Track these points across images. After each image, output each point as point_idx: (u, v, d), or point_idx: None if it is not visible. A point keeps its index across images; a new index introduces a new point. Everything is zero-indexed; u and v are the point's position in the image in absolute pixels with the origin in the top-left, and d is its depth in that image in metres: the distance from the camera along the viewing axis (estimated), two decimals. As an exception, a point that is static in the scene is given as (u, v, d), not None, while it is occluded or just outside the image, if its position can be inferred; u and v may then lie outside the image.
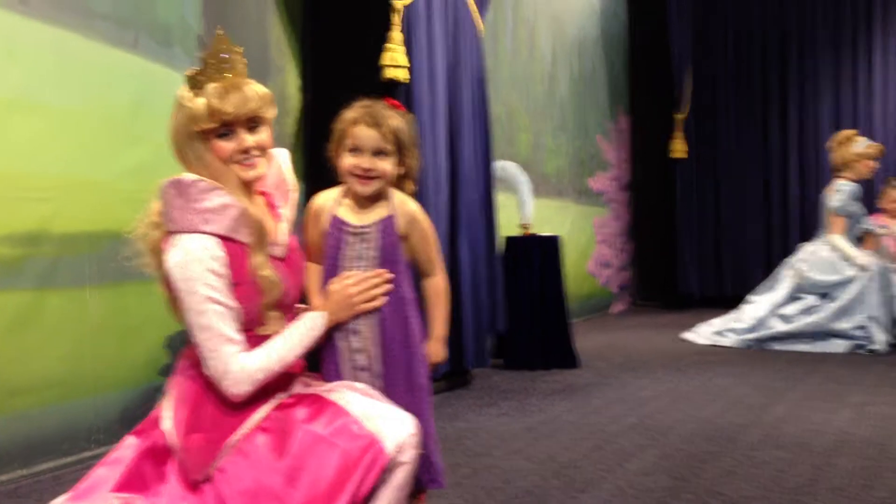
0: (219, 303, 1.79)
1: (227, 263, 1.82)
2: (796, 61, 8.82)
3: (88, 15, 3.08)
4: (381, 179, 2.02)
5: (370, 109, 2.03)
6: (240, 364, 1.79)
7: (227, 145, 1.86)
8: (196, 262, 1.78)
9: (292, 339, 1.89)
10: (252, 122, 1.88)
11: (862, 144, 6.24)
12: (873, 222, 6.64)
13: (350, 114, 2.03)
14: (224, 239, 1.83)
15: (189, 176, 1.83)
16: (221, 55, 1.84)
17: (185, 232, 1.81)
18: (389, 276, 2.02)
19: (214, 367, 1.79)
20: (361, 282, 2.00)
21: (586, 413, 3.87)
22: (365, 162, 2.00)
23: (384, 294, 2.01)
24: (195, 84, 1.84)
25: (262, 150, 1.91)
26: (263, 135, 1.91)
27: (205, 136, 1.85)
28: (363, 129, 2.00)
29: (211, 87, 1.82)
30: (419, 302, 2.12)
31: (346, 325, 2.00)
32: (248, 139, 1.87)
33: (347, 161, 2.01)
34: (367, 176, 2.00)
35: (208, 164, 1.85)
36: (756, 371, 4.97)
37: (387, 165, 2.02)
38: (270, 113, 1.91)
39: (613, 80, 8.76)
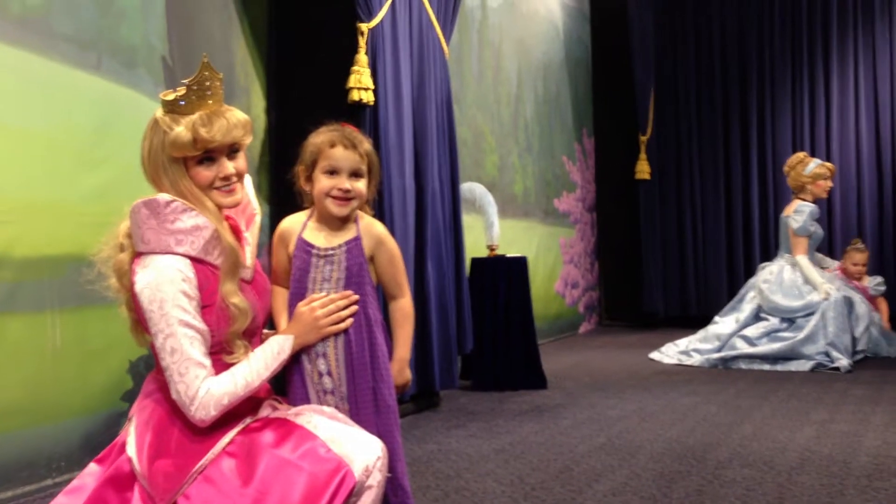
0: (189, 325, 1.77)
1: (197, 286, 1.80)
2: (756, 84, 8.97)
3: (51, 36, 3.05)
4: (357, 200, 2.03)
5: (345, 132, 2.05)
6: (206, 389, 1.76)
7: (207, 172, 1.85)
8: (168, 282, 1.76)
9: (258, 363, 1.88)
10: (232, 149, 1.87)
11: (812, 166, 6.34)
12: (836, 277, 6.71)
13: (324, 136, 2.04)
14: (195, 261, 1.81)
15: (163, 196, 1.81)
16: (205, 82, 1.82)
17: (157, 253, 1.79)
18: (355, 297, 2.01)
19: (181, 392, 1.76)
20: (328, 304, 1.99)
21: (555, 434, 3.87)
22: (343, 183, 2.00)
23: (351, 316, 2.01)
24: (175, 109, 1.82)
25: (241, 176, 1.91)
26: (241, 161, 1.91)
27: (184, 161, 1.83)
28: (341, 150, 2.01)
29: (196, 115, 1.81)
30: (386, 324, 2.11)
31: (313, 348, 1.99)
32: (230, 166, 1.87)
33: (324, 183, 2.01)
34: (345, 197, 2.01)
35: (184, 189, 1.83)
36: (722, 390, 5.01)
37: (362, 187, 2.03)
38: (248, 139, 1.91)
39: (578, 102, 8.85)
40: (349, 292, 2.01)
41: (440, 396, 4.70)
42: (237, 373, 1.83)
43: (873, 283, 6.65)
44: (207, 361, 1.79)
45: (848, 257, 6.78)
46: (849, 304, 5.98)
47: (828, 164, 6.47)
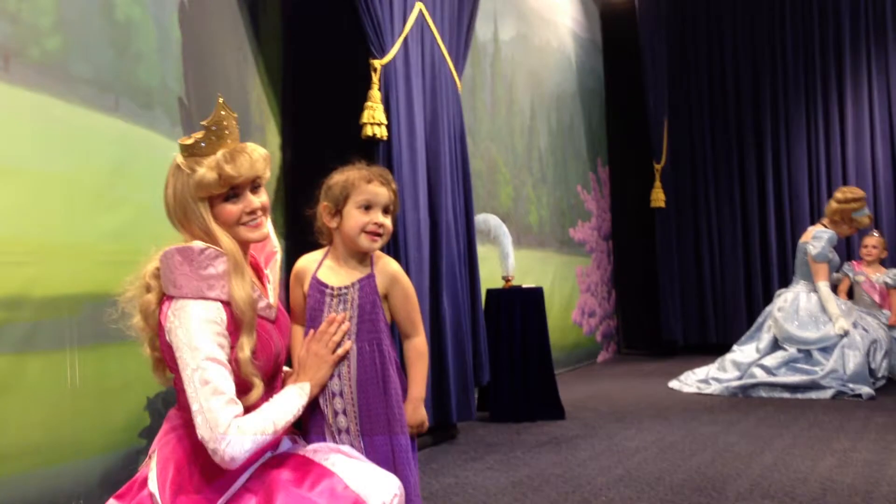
0: (221, 363, 1.78)
1: (228, 329, 1.82)
2: (770, 109, 8.98)
3: (69, 80, 3.11)
4: (387, 236, 2.07)
5: (377, 169, 2.10)
6: (236, 426, 1.75)
7: (234, 208, 1.88)
8: (201, 322, 1.78)
9: (284, 407, 1.87)
10: (255, 184, 1.91)
11: (861, 213, 6.26)
12: (852, 268, 6.72)
13: (357, 173, 2.07)
14: (227, 304, 1.83)
15: (198, 244, 1.84)
16: (223, 122, 1.86)
17: (189, 297, 1.81)
18: (341, 316, 2.02)
19: (212, 427, 1.74)
20: (321, 336, 2.01)
21: (573, 465, 3.84)
22: (379, 218, 2.04)
23: (345, 334, 2.02)
24: (196, 151, 1.85)
25: (265, 210, 1.94)
26: (264, 195, 1.94)
27: (210, 201, 1.86)
28: (378, 186, 2.06)
29: (218, 153, 1.84)
30: (401, 363, 2.12)
31: (329, 388, 2.01)
32: (255, 201, 1.90)
33: (360, 218, 2.04)
34: (378, 232, 2.04)
35: (212, 228, 1.86)
36: (742, 419, 4.97)
37: (390, 223, 2.08)
38: (269, 173, 1.95)
39: (592, 131, 8.88)
40: (333, 315, 2.03)
41: (457, 428, 4.68)
42: (266, 414, 1.82)
43: (890, 274, 6.61)
44: (239, 403, 1.80)
45: (864, 241, 6.79)
46: (870, 341, 5.93)
47: (870, 217, 6.40)
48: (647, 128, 8.66)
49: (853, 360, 5.74)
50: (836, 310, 6.00)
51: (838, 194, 6.37)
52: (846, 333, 5.85)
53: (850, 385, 5.66)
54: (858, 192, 6.33)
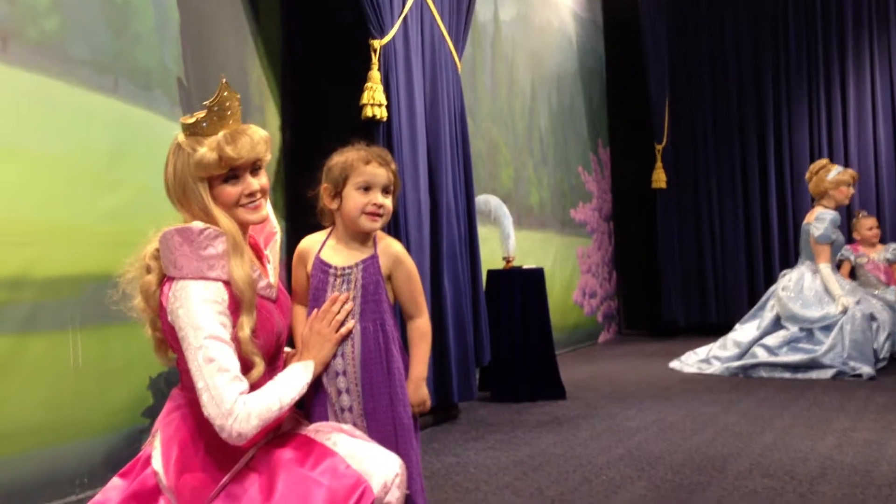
0: (224, 341, 1.78)
1: (229, 308, 1.82)
2: (772, 90, 8.94)
3: (68, 61, 3.10)
4: (387, 217, 2.07)
5: (376, 149, 2.10)
6: (243, 402, 1.75)
7: (234, 190, 1.88)
8: (203, 302, 1.78)
9: (289, 384, 1.87)
10: (255, 166, 1.90)
11: (835, 172, 6.30)
12: (852, 251, 6.72)
13: (356, 154, 2.07)
14: (227, 284, 1.83)
15: (197, 224, 1.84)
16: (225, 102, 1.85)
17: (189, 278, 1.81)
18: (344, 296, 2.03)
19: (218, 404, 1.73)
20: (324, 315, 2.02)
21: (574, 445, 3.86)
22: (378, 198, 2.04)
23: (349, 313, 2.02)
24: (197, 131, 1.84)
25: (264, 192, 1.94)
26: (264, 177, 1.93)
27: (210, 181, 1.86)
28: (376, 167, 2.05)
29: (219, 134, 1.83)
30: (403, 343, 2.13)
31: (332, 367, 2.01)
32: (254, 183, 1.89)
33: (359, 199, 2.04)
34: (378, 213, 2.04)
35: (211, 209, 1.85)
36: (743, 399, 4.98)
37: (391, 204, 2.08)
38: (269, 155, 1.94)
39: (593, 112, 8.85)
40: (336, 294, 2.03)
41: (459, 408, 4.70)
42: (272, 391, 1.82)
43: (889, 248, 6.61)
44: (244, 380, 1.80)
45: (859, 225, 6.77)
46: (869, 317, 5.93)
47: (850, 171, 6.41)
48: (648, 108, 8.62)
49: (850, 337, 5.75)
50: (837, 290, 6.00)
51: (807, 176, 6.51)
52: (846, 310, 5.85)
53: (851, 364, 5.66)
54: (820, 162, 6.46)
